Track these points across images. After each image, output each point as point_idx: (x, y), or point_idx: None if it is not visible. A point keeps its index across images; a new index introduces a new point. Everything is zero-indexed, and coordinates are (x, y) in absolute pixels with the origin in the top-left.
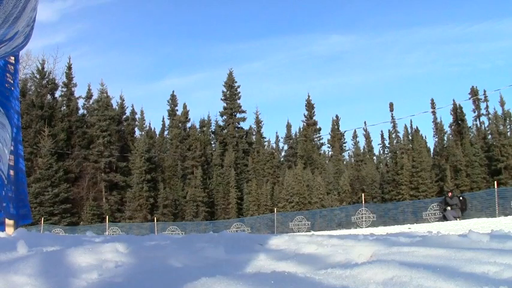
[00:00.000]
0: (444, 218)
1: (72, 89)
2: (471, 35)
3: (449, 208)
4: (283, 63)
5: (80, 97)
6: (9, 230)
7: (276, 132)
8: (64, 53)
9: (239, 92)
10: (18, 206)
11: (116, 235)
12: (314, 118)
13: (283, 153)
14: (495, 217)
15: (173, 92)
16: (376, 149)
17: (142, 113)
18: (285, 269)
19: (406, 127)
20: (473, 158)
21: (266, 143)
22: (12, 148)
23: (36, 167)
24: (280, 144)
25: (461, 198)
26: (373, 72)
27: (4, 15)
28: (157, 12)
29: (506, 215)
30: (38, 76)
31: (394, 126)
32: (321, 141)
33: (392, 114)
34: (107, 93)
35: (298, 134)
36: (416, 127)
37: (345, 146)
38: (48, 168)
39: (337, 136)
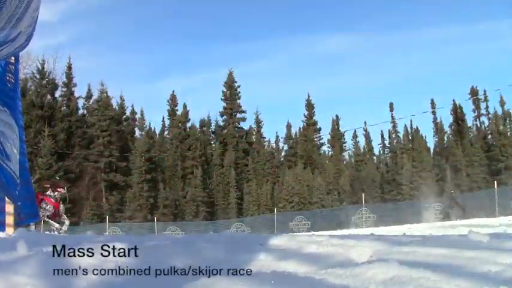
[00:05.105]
0: (447, 216)
1: (72, 89)
2: (471, 35)
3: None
4: (283, 63)
5: (80, 97)
6: (9, 230)
7: (276, 132)
8: (64, 53)
9: (239, 92)
10: (26, 205)
11: (116, 235)
12: (314, 118)
13: (283, 153)
14: (495, 217)
15: (173, 92)
16: (376, 149)
17: (142, 113)
18: (285, 269)
19: (406, 127)
20: (473, 158)
21: (266, 143)
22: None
23: (36, 167)
24: (280, 144)
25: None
26: (373, 72)
27: (7, 15)
28: (157, 12)
29: (506, 215)
30: (38, 76)
31: (394, 126)
32: (321, 141)
33: (392, 114)
34: (107, 93)
35: (298, 134)
36: (416, 127)
37: (345, 146)
38: (48, 168)
39: (337, 136)
